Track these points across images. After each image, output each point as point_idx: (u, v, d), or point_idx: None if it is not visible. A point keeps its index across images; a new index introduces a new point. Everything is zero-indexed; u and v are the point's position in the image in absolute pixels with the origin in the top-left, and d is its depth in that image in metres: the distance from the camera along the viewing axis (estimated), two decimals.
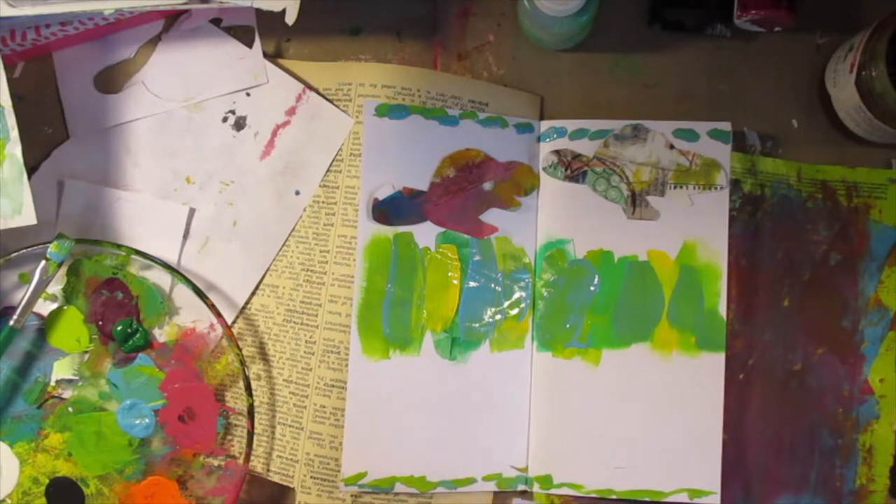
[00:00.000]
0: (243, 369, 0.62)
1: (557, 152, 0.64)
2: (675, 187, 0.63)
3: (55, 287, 0.63)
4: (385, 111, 0.63)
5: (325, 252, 0.64)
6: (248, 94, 0.65)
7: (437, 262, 0.63)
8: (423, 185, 0.63)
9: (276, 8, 0.60)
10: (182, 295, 0.64)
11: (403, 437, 0.62)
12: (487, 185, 0.64)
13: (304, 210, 0.64)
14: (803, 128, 0.64)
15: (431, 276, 0.63)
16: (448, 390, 0.62)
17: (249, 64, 0.64)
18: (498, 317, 0.63)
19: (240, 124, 0.65)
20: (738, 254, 0.63)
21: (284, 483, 0.63)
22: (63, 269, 0.62)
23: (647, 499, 0.61)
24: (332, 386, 0.63)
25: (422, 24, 0.66)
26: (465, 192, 0.63)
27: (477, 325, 0.63)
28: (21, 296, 0.61)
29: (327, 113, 0.64)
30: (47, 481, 0.62)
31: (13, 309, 0.61)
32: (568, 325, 0.63)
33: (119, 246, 0.62)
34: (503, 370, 0.63)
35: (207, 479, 0.63)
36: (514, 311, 0.63)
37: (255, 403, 0.63)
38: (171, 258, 0.64)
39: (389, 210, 0.63)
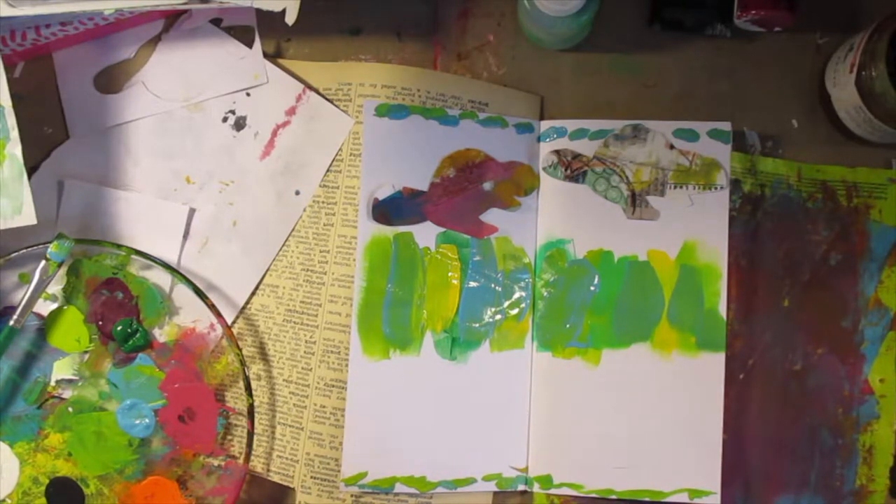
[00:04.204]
0: (243, 369, 0.62)
1: (557, 152, 0.64)
2: (675, 187, 0.63)
3: (55, 287, 0.63)
4: (385, 111, 0.63)
5: (325, 252, 0.64)
6: (248, 94, 0.65)
7: (437, 262, 0.63)
8: (423, 185, 0.63)
9: (276, 8, 0.60)
10: (182, 295, 0.64)
11: (403, 437, 0.62)
12: (487, 185, 0.64)
13: (304, 210, 0.64)
14: (803, 128, 0.64)
15: (431, 276, 0.63)
16: (448, 390, 0.62)
17: (249, 64, 0.64)
18: (498, 317, 0.63)
19: (240, 124, 0.65)
20: (738, 254, 0.63)
21: (284, 483, 0.63)
22: (63, 269, 0.62)
23: (647, 499, 0.61)
24: (332, 386, 0.63)
25: (422, 24, 0.66)
26: (465, 192, 0.63)
27: (477, 325, 0.63)
28: (21, 296, 0.61)
29: (327, 113, 0.64)
30: (47, 481, 0.62)
31: (13, 309, 0.61)
32: (568, 325, 0.63)
33: (119, 246, 0.62)
34: (503, 370, 0.63)
35: (207, 479, 0.63)
36: (514, 311, 0.63)
37: (255, 403, 0.63)
38: (171, 258, 0.64)
39: (389, 210, 0.63)
